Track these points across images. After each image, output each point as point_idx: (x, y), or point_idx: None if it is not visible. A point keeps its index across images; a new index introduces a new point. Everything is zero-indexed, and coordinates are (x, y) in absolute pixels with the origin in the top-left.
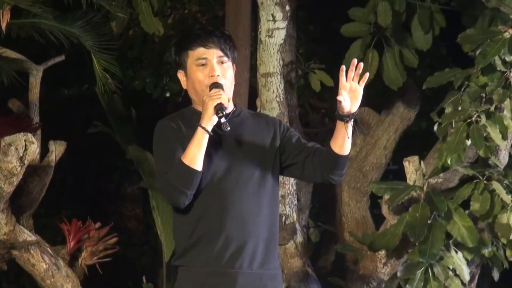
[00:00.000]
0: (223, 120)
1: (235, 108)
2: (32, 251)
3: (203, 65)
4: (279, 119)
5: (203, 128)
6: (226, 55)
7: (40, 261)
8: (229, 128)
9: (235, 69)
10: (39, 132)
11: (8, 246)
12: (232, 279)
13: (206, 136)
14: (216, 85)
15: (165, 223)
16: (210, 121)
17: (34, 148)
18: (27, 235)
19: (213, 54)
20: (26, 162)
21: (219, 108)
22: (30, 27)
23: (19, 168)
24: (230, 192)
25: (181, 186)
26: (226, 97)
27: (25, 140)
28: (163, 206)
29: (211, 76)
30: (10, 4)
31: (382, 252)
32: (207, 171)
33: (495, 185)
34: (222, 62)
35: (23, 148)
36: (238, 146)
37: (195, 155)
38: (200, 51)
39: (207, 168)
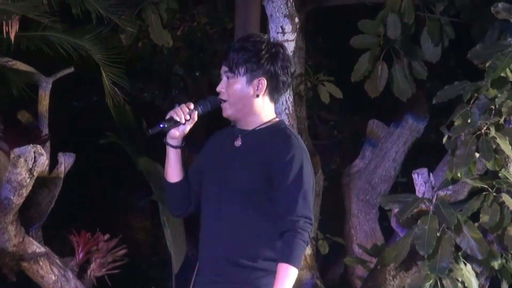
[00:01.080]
0: (151, 131)
1: (276, 121)
2: (41, 263)
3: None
4: (290, 155)
5: (164, 142)
6: (231, 70)
7: (49, 273)
8: (240, 144)
9: (247, 81)
10: (48, 144)
11: (17, 257)
12: None
13: (170, 149)
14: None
15: (174, 235)
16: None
17: (43, 160)
18: (36, 247)
19: (223, 69)
20: (35, 174)
21: (166, 120)
22: (39, 39)
23: (28, 179)
24: (218, 206)
25: (165, 196)
26: (181, 113)
27: (34, 152)
28: (173, 219)
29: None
30: (18, 14)
31: (391, 265)
32: (211, 184)
33: (505, 197)
34: (228, 78)
35: (33, 160)
36: (242, 162)
37: (166, 167)
38: None
39: (212, 181)
